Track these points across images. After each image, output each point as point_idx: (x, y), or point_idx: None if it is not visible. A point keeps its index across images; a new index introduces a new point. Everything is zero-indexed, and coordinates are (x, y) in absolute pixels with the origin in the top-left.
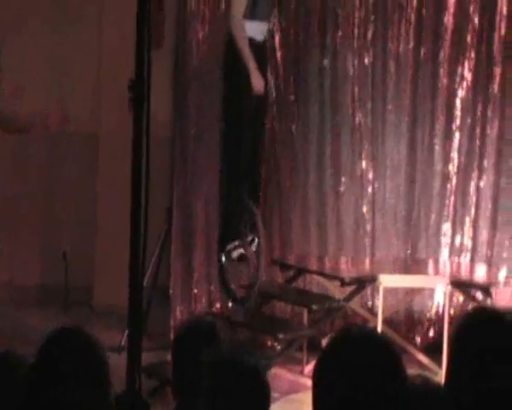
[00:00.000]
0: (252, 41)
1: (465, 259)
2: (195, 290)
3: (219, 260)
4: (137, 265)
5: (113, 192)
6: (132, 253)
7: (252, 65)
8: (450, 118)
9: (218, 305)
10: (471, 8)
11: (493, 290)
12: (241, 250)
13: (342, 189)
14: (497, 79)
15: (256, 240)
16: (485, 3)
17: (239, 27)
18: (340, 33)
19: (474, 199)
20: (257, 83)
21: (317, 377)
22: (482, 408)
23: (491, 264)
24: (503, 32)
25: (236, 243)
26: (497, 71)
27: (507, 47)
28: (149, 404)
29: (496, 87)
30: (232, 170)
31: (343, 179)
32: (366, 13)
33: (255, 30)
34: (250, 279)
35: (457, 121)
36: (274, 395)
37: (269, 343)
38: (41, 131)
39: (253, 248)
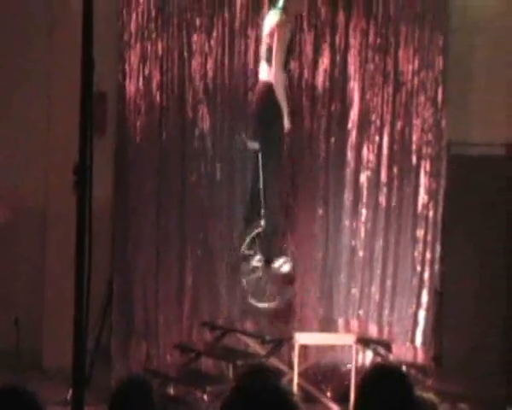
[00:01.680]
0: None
1: (371, 319)
2: (134, 350)
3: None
4: (81, 328)
5: (59, 264)
6: (76, 319)
7: (285, 108)
8: (357, 197)
9: (154, 363)
10: (371, 105)
11: (393, 346)
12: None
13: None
14: (397, 163)
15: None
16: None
17: (280, 77)
18: None
19: (379, 267)
20: (289, 124)
21: None
22: None
23: (392, 324)
24: (399, 126)
25: (283, 259)
26: (397, 157)
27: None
28: None
29: (395, 170)
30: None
31: None
32: None
33: (264, 71)
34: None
35: (364, 199)
36: None
37: (199, 396)
38: None
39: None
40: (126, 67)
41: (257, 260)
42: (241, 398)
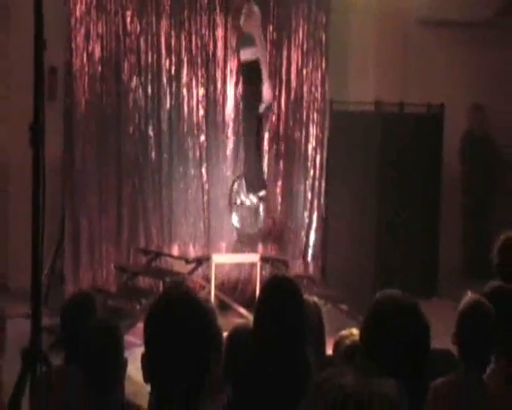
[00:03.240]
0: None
1: (274, 241)
2: (82, 274)
3: None
4: (37, 256)
5: (20, 206)
6: (33, 249)
7: (267, 81)
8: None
9: (100, 283)
10: (272, 69)
11: (290, 263)
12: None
13: (190, 198)
14: (292, 117)
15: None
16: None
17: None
18: None
19: (279, 200)
20: (268, 94)
21: (145, 334)
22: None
23: (289, 244)
24: (293, 87)
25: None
26: (292, 112)
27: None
28: (48, 355)
29: (291, 122)
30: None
31: (190, 191)
32: None
33: (248, 53)
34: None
35: (266, 147)
36: (138, 341)
37: (135, 306)
38: None
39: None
40: (73, 45)
41: (246, 197)
42: (164, 306)
